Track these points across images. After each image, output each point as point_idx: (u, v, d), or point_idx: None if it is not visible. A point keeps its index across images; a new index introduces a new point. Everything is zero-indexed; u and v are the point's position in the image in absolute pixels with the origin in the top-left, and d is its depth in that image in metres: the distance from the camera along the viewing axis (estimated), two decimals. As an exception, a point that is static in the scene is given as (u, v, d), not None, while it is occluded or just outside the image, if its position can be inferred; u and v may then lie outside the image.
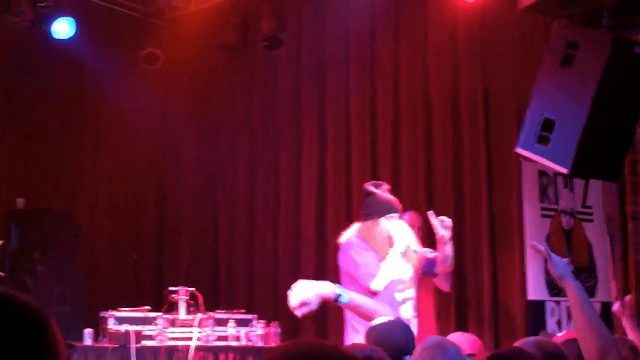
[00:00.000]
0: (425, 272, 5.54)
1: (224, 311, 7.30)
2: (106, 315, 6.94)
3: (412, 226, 6.64)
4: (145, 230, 9.30)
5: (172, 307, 7.07)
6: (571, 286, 2.97)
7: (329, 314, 8.14)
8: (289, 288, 8.47)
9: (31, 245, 7.96)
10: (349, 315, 5.20)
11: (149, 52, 8.72)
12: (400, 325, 3.68)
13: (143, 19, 9.06)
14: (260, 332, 7.13)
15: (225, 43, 8.47)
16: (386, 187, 5.37)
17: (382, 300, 5.12)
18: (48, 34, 8.11)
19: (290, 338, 7.60)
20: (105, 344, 6.82)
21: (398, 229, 5.29)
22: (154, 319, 6.94)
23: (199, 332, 6.84)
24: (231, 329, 7.06)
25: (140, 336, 6.71)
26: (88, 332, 6.89)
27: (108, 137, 9.24)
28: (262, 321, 7.25)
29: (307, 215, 8.51)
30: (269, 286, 8.60)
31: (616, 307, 5.24)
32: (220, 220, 9.11)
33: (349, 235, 5.38)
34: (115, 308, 7.03)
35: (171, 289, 7.11)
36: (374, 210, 5.25)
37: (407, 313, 5.17)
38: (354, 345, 2.91)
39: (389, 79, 8.13)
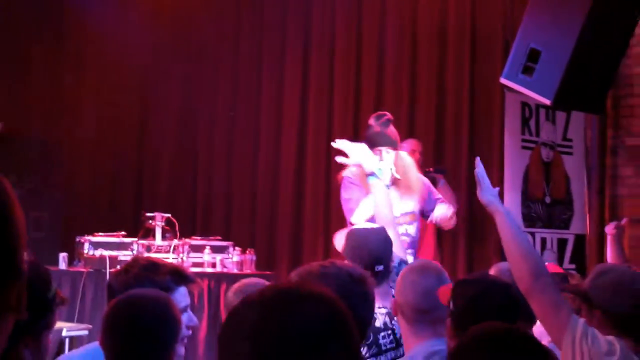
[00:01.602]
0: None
1: (199, 237, 7.29)
2: (82, 240, 6.91)
3: (411, 152, 6.71)
4: (125, 156, 9.20)
5: (148, 233, 7.04)
6: (500, 212, 2.98)
7: (305, 243, 8.19)
8: (265, 217, 8.53)
9: (7, 169, 7.84)
10: None
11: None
12: (379, 235, 3.67)
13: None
14: (235, 258, 7.13)
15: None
16: (386, 117, 5.15)
17: None
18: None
19: (265, 265, 7.64)
20: (80, 268, 6.80)
21: (385, 162, 5.02)
22: (130, 244, 6.92)
23: (174, 258, 6.82)
24: (206, 255, 7.05)
25: (115, 261, 6.67)
26: (63, 256, 6.86)
27: (90, 66, 9.07)
28: (237, 248, 7.24)
29: (286, 149, 8.47)
30: (246, 214, 8.59)
31: (610, 227, 5.22)
32: (200, 150, 9.04)
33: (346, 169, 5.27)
34: (91, 233, 6.99)
35: (147, 214, 7.08)
36: (367, 143, 5.03)
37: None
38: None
39: (376, 9, 8.01)
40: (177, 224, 6.99)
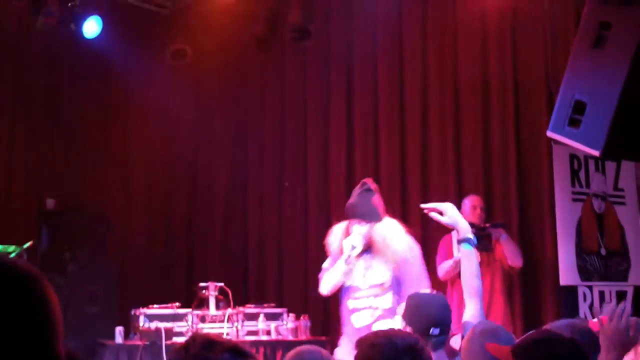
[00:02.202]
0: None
1: (253, 305, 7.28)
2: (137, 313, 6.94)
3: (472, 208, 6.71)
4: (176, 226, 9.29)
5: (202, 303, 7.05)
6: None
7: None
8: (317, 283, 8.50)
9: (61, 245, 7.97)
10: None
11: (177, 47, 8.70)
12: (439, 300, 3.66)
13: (170, 14, 9.05)
14: (290, 325, 7.09)
15: (254, 35, 8.45)
16: (365, 187, 5.33)
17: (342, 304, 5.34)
18: (78, 33, 8.16)
19: (320, 331, 7.58)
20: (136, 341, 6.82)
21: (352, 236, 5.21)
22: (184, 315, 6.93)
23: (229, 327, 6.81)
24: (261, 323, 7.02)
25: (170, 332, 6.70)
26: (119, 329, 6.90)
27: (138, 134, 9.22)
28: (291, 314, 7.21)
29: (335, 211, 8.46)
30: (298, 280, 8.57)
31: None
32: (249, 216, 9.08)
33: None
34: (146, 305, 7.03)
35: (201, 284, 7.10)
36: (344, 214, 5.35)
37: (357, 322, 5.20)
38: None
39: (418, 65, 8.06)
40: (230, 292, 6.99)
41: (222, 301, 7.04)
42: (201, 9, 8.78)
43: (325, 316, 8.17)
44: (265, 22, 8.40)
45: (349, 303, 5.27)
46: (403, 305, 3.77)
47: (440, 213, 4.09)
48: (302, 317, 7.18)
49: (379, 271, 5.18)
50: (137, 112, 9.17)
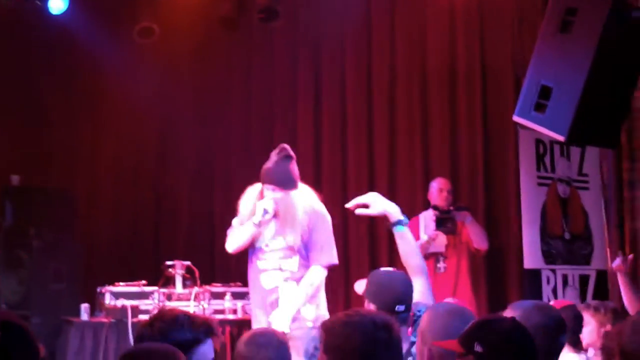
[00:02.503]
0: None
1: (219, 284, 7.29)
2: (103, 290, 6.94)
3: (440, 190, 6.78)
4: (143, 204, 9.25)
5: (169, 281, 7.06)
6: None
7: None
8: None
9: (26, 221, 7.91)
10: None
11: (144, 25, 8.64)
12: (401, 277, 3.69)
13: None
14: (257, 304, 7.11)
15: (221, 15, 8.41)
16: (284, 153, 5.42)
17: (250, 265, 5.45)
18: (43, 9, 8.07)
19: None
20: (102, 318, 6.82)
21: (263, 201, 5.31)
22: (151, 293, 6.94)
23: (195, 306, 6.83)
24: (227, 302, 7.05)
25: (136, 310, 6.72)
26: (84, 307, 6.90)
27: (105, 112, 9.13)
28: (258, 294, 7.22)
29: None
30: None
31: (616, 262, 5.26)
32: (215, 193, 9.08)
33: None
34: (112, 283, 7.02)
35: (167, 263, 7.10)
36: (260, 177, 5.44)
37: (266, 282, 5.33)
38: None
39: (386, 50, 8.11)
40: (197, 271, 7.01)
41: (189, 280, 7.06)
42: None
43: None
44: (233, 2, 8.37)
45: (259, 263, 5.37)
46: (363, 283, 3.77)
47: (366, 206, 3.95)
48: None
49: (288, 235, 5.29)
50: (105, 91, 9.09)
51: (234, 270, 8.47)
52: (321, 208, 5.42)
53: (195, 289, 6.95)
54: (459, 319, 2.94)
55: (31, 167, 8.62)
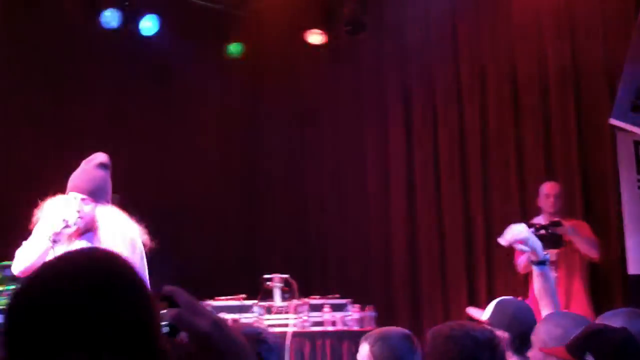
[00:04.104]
0: None
1: (318, 296, 7.34)
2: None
3: (546, 196, 6.55)
4: (238, 219, 9.39)
5: (267, 295, 7.15)
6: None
7: (423, 298, 8.13)
8: (380, 272, 8.50)
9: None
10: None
11: (233, 44, 8.83)
12: (528, 306, 3.64)
13: (226, 11, 9.15)
14: (355, 316, 7.15)
15: (309, 30, 8.51)
16: (97, 161, 4.58)
17: None
18: (135, 32, 8.36)
19: (385, 321, 7.61)
20: None
21: (67, 209, 4.41)
22: (250, 306, 7.04)
23: (295, 318, 6.90)
24: (326, 314, 7.09)
25: (237, 324, 6.81)
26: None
27: (197, 130, 9.32)
28: (356, 305, 7.26)
29: (396, 198, 8.49)
30: (361, 270, 8.62)
31: None
32: (310, 207, 9.15)
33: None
34: (211, 297, 7.14)
35: (265, 276, 7.19)
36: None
37: None
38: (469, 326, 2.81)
39: (474, 56, 8.03)
40: (295, 284, 7.07)
41: (287, 292, 7.13)
42: (257, 5, 8.87)
43: (389, 306, 8.22)
44: (320, 17, 8.45)
45: None
46: (478, 311, 3.64)
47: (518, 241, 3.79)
48: (366, 308, 7.23)
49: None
50: (195, 109, 9.28)
51: (332, 281, 8.53)
52: (135, 233, 4.55)
53: (294, 302, 7.02)
54: (568, 324, 2.90)
55: (127, 182, 8.83)
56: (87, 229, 4.42)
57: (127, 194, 8.57)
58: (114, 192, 7.33)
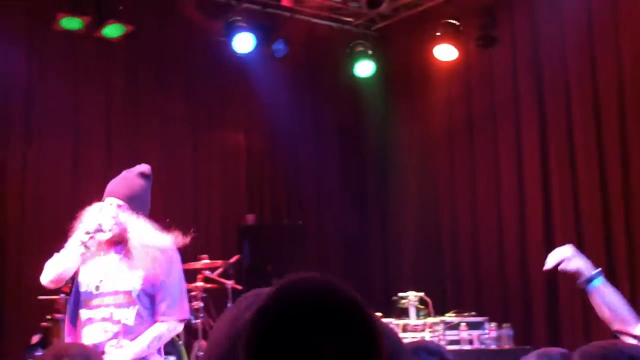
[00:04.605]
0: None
1: (454, 314, 7.25)
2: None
3: None
4: (373, 238, 9.42)
5: (402, 313, 7.12)
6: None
7: (562, 315, 7.92)
8: (517, 289, 8.32)
9: (262, 259, 8.28)
10: None
11: (362, 63, 8.93)
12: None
13: (352, 30, 9.27)
14: (492, 334, 7.03)
15: (439, 46, 8.49)
16: (138, 171, 4.22)
17: (72, 314, 4.09)
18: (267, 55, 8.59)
19: (522, 339, 7.45)
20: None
21: (103, 214, 4.05)
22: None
23: (431, 336, 6.83)
24: (463, 332, 7.00)
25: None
26: None
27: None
28: (493, 323, 7.14)
29: (532, 213, 8.30)
30: (497, 288, 8.47)
31: None
32: (443, 224, 9.08)
33: None
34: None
35: (400, 294, 7.17)
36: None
37: (90, 337, 3.97)
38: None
39: (611, 63, 7.75)
40: (430, 302, 7.02)
41: (422, 310, 7.08)
42: (384, 23, 8.93)
43: (526, 324, 8.04)
44: (449, 32, 8.41)
45: (83, 313, 4.03)
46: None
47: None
48: (503, 326, 7.09)
49: (127, 275, 4.02)
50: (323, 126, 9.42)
51: (467, 299, 8.42)
52: (172, 247, 4.12)
53: (430, 320, 6.96)
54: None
55: (264, 205, 9.04)
56: (119, 240, 4.03)
57: (261, 216, 8.86)
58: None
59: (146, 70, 8.78)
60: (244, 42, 8.41)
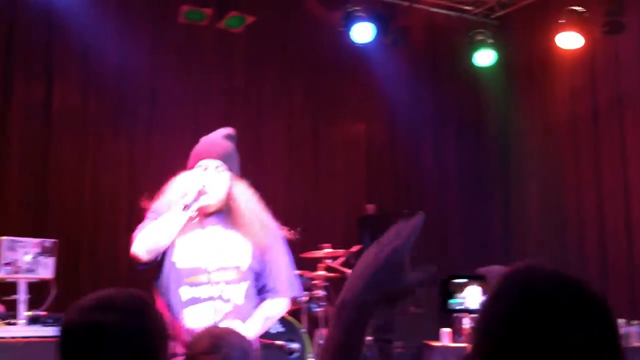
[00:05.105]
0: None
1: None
2: (459, 315, 7.01)
3: None
4: (489, 227, 9.30)
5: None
6: None
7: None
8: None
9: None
10: None
11: (482, 52, 8.81)
12: None
13: (472, 18, 9.15)
14: (620, 331, 6.78)
15: (562, 33, 8.27)
16: (230, 133, 3.72)
17: (167, 293, 3.45)
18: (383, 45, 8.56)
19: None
20: (463, 342, 6.90)
21: (204, 177, 3.51)
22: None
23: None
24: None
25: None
26: (445, 331, 7.02)
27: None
28: (621, 320, 6.92)
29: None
30: (624, 282, 8.22)
31: None
32: (567, 214, 8.85)
33: None
34: (467, 308, 7.08)
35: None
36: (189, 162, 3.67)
37: (194, 319, 3.40)
38: None
39: None
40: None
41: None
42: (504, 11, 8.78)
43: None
44: (573, 19, 8.18)
45: (183, 291, 3.42)
46: None
47: None
48: (632, 323, 6.88)
49: (235, 248, 3.52)
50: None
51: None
52: (268, 217, 3.64)
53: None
54: None
55: (383, 195, 9.04)
56: (222, 208, 3.53)
57: (381, 205, 8.86)
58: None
59: (266, 61, 8.87)
60: (363, 32, 8.38)
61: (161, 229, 3.40)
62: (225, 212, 3.53)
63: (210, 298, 3.40)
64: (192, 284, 3.41)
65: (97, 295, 1.76)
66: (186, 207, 3.39)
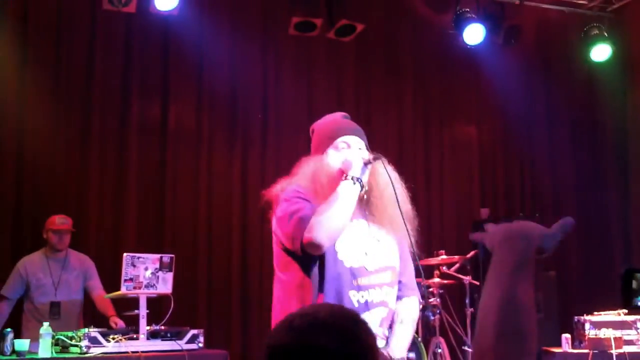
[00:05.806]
0: None
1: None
2: (581, 320, 6.84)
3: None
4: (607, 228, 9.06)
5: (650, 308, 6.75)
6: None
7: None
8: None
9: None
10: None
11: (598, 47, 8.59)
12: None
13: (586, 13, 8.92)
14: None
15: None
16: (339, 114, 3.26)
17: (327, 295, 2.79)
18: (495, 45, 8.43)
19: None
20: (584, 349, 6.73)
21: (354, 153, 2.98)
22: (633, 322, 6.69)
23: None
24: None
25: (619, 341, 6.50)
26: (565, 337, 6.87)
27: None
28: None
29: None
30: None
31: None
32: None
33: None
34: (589, 312, 6.91)
35: (644, 291, 6.80)
36: (315, 147, 3.15)
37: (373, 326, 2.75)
38: None
39: None
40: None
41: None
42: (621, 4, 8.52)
43: None
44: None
45: (352, 295, 2.83)
46: None
47: None
48: None
49: (386, 246, 2.99)
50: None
51: None
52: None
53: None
54: None
55: (497, 198, 8.91)
56: (360, 197, 2.90)
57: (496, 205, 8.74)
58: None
59: (377, 68, 8.87)
60: (474, 33, 8.28)
61: (341, 209, 2.78)
62: (364, 203, 2.96)
63: (382, 303, 2.88)
64: (360, 288, 2.85)
65: (307, 312, 1.62)
66: (356, 180, 2.84)
